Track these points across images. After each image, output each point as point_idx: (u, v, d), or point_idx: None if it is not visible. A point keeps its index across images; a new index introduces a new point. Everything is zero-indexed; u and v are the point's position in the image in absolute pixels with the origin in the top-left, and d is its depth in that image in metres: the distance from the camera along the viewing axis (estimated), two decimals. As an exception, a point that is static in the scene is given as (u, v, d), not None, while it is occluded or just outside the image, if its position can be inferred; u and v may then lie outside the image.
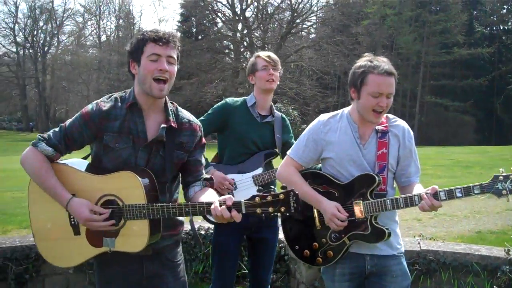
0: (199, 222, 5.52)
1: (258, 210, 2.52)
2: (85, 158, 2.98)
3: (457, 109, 52.24)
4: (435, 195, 2.84)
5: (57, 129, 2.80)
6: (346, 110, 3.20)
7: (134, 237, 2.69)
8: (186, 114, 2.94)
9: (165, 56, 2.71)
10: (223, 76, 46.10)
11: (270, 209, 2.50)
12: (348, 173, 3.08)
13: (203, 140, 3.01)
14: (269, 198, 2.51)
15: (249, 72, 4.10)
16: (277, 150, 4.05)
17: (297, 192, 2.51)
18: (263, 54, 4.05)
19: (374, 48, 52.22)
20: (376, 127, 3.11)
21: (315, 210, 3.16)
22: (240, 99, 4.17)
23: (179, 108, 2.94)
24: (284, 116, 4.22)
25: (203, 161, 3.04)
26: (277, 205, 2.50)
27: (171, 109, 2.87)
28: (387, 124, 3.13)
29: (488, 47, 52.19)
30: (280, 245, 5.27)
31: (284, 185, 2.64)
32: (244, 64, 48.81)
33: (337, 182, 3.10)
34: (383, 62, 2.99)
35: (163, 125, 2.78)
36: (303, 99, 45.74)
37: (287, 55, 49.54)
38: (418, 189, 3.03)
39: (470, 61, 52.83)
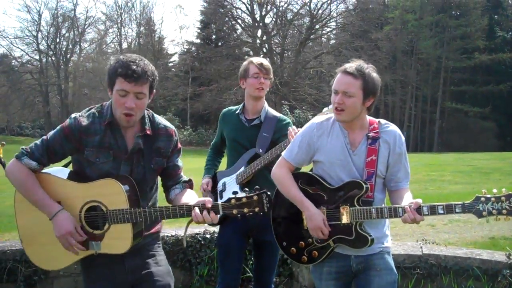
0: (205, 226, 5.59)
1: (234, 211, 2.67)
2: (65, 166, 3.08)
3: (478, 115, 51.65)
4: (418, 209, 2.90)
5: (39, 142, 2.88)
6: None
7: (118, 240, 2.81)
8: (161, 120, 3.04)
9: (133, 93, 2.74)
10: (242, 82, 46.11)
11: (245, 210, 2.66)
12: (337, 177, 3.13)
13: (179, 145, 3.10)
14: (244, 199, 2.66)
15: (240, 77, 4.17)
16: (257, 149, 4.06)
17: (269, 193, 2.65)
18: (256, 60, 4.10)
19: (394, 54, 52.07)
20: (367, 134, 3.15)
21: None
22: (236, 106, 4.33)
23: (155, 115, 3.03)
24: (282, 117, 4.24)
25: (181, 164, 3.14)
26: (252, 206, 2.64)
27: (147, 117, 2.96)
28: (378, 130, 3.17)
29: (509, 52, 51.55)
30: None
31: (257, 186, 2.75)
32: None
33: (327, 186, 3.15)
34: (351, 63, 3.07)
35: (137, 134, 2.89)
36: (322, 105, 45.29)
37: (307, 61, 49.65)
38: (406, 197, 3.08)
39: (491, 66, 52.20)
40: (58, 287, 5.36)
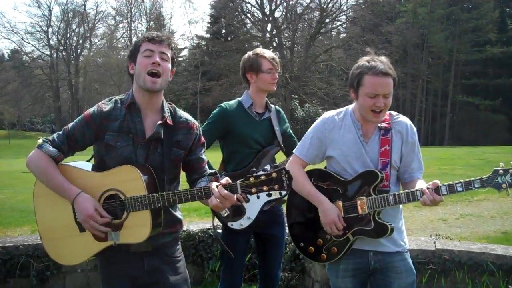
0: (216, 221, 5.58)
1: (253, 190, 2.58)
2: (88, 160, 3.07)
3: (489, 108, 51.32)
4: (437, 189, 2.88)
5: (60, 132, 2.93)
6: (350, 107, 3.24)
7: (137, 228, 2.78)
8: (183, 114, 3.05)
9: (158, 52, 2.85)
10: (252, 77, 46.15)
11: (265, 188, 2.57)
12: (352, 170, 3.12)
13: (202, 138, 3.08)
14: (262, 177, 2.57)
15: (249, 70, 4.00)
16: (279, 142, 4.01)
17: (288, 170, 2.58)
18: (268, 55, 3.99)
19: (404, 47, 51.80)
20: (379, 125, 3.13)
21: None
22: (234, 102, 4.10)
23: (177, 108, 3.05)
24: (278, 107, 4.23)
25: (205, 158, 3.10)
26: (271, 184, 2.56)
27: (168, 109, 2.98)
28: (390, 121, 3.16)
29: (521, 45, 51.14)
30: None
31: (275, 164, 2.70)
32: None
33: (341, 179, 3.14)
34: (380, 63, 3.00)
35: (159, 122, 2.89)
36: (332, 99, 45.59)
37: (317, 55, 49.48)
38: (420, 184, 3.05)
39: (502, 59, 51.76)
40: (70, 282, 5.38)
